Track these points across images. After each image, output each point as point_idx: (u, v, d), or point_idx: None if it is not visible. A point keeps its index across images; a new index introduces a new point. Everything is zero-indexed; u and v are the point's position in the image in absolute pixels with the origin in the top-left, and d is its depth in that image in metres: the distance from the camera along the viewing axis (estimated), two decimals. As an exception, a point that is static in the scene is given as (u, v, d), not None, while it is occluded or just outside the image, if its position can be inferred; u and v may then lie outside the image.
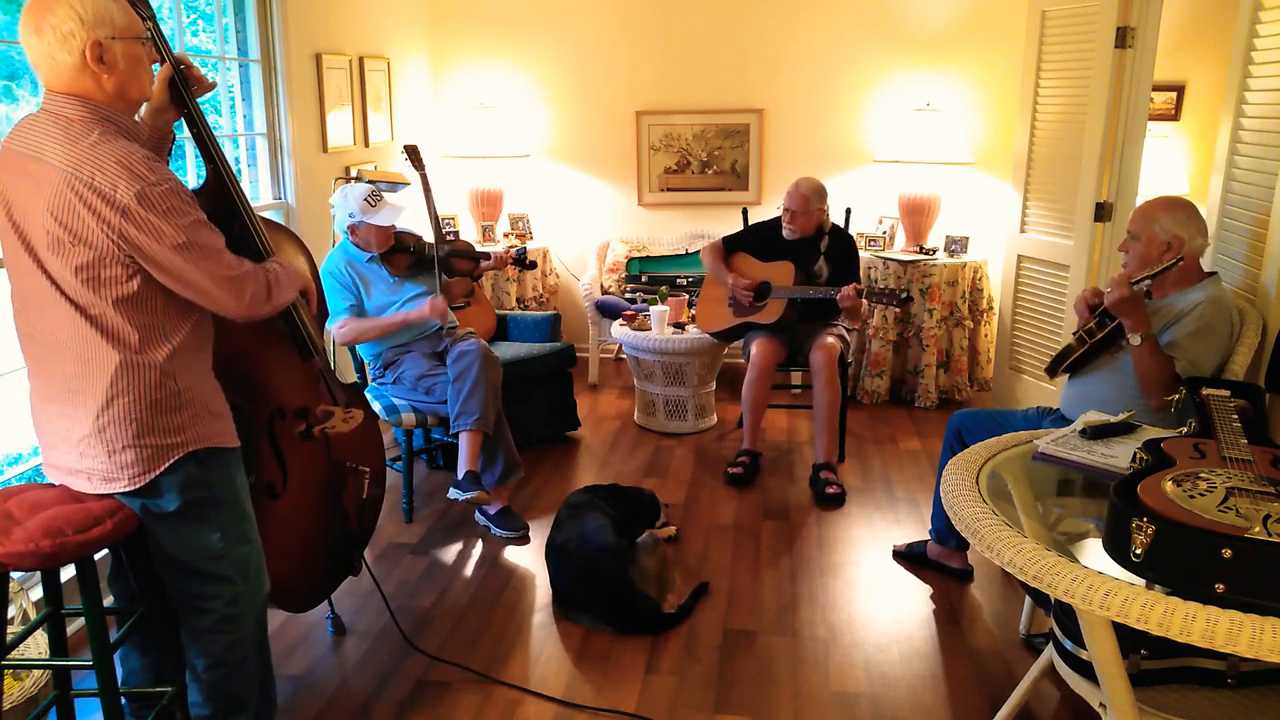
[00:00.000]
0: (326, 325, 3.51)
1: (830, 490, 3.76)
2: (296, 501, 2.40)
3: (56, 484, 1.97)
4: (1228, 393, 2.25)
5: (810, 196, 3.94)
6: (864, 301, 3.77)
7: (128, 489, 1.90)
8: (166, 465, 1.91)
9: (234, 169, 2.21)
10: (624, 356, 5.23)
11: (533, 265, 4.17)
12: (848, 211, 4.49)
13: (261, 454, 2.28)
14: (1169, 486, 1.69)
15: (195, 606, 2.04)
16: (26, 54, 1.84)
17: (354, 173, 4.53)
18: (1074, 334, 2.79)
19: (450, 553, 3.38)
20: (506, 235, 5.53)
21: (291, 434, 2.36)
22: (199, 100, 2.13)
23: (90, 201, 1.77)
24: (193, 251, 1.84)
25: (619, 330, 4.60)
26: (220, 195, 2.13)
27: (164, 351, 1.90)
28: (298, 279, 2.15)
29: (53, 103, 1.83)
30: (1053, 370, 2.87)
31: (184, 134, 2.48)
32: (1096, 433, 2.23)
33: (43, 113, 1.85)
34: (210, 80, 2.15)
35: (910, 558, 3.27)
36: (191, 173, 3.47)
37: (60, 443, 1.92)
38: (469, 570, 3.25)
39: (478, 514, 3.60)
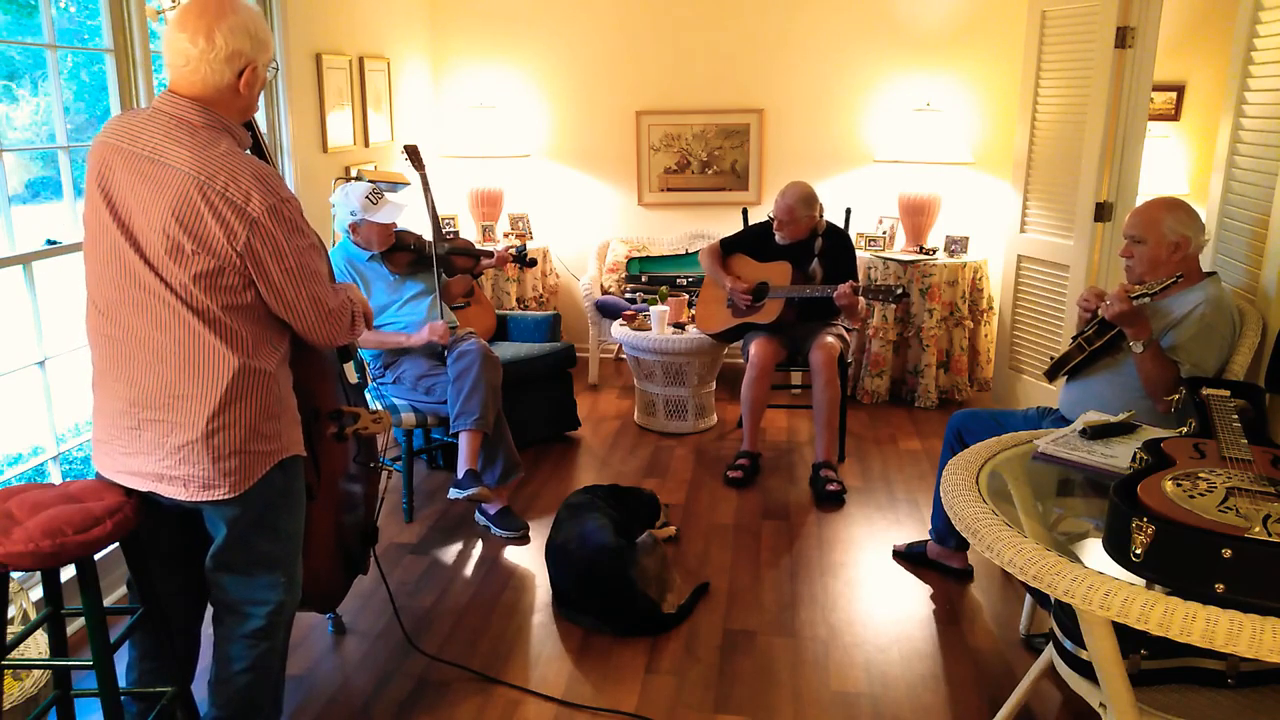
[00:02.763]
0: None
1: (830, 488, 3.76)
2: (327, 502, 2.41)
3: (142, 489, 1.93)
4: (1228, 393, 2.25)
5: (796, 206, 3.94)
6: (861, 299, 3.78)
7: (227, 496, 1.89)
8: (264, 472, 1.92)
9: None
10: (624, 356, 5.23)
11: (533, 263, 4.18)
12: (848, 211, 4.49)
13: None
14: (1169, 486, 1.69)
15: (240, 611, 2.04)
16: (170, 51, 1.83)
17: (354, 173, 4.53)
18: (1073, 340, 2.80)
19: (450, 553, 3.38)
20: (506, 235, 5.53)
21: (325, 435, 2.36)
22: None
23: (220, 210, 1.77)
24: (303, 275, 1.87)
25: (619, 330, 4.60)
26: None
27: (274, 359, 1.93)
28: (365, 308, 2.16)
29: (176, 106, 1.83)
30: (1052, 375, 2.87)
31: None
32: (1096, 433, 2.23)
33: (160, 114, 1.84)
34: None
35: (910, 558, 3.27)
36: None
37: (151, 449, 1.89)
38: (469, 570, 3.25)
39: (478, 514, 3.60)
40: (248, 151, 1.96)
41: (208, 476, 1.88)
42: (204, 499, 1.90)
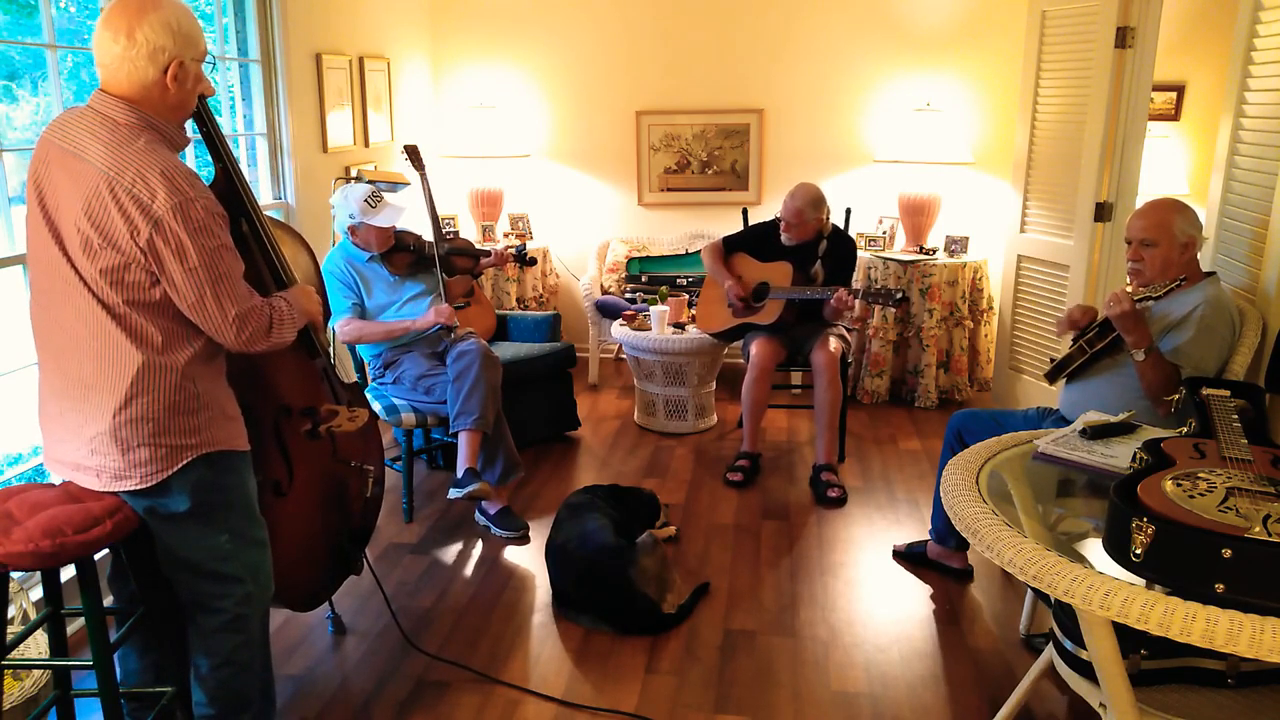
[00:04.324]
0: (329, 324, 3.51)
1: (832, 493, 3.76)
2: (302, 500, 2.40)
3: (59, 480, 1.97)
4: (1228, 393, 2.25)
5: (804, 209, 3.94)
6: (859, 302, 3.78)
7: (138, 487, 1.90)
8: (180, 466, 1.91)
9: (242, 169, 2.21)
10: (624, 356, 5.23)
11: (533, 261, 4.18)
12: (848, 212, 4.49)
13: (268, 452, 2.28)
14: (1169, 486, 1.69)
15: (205, 606, 2.04)
16: (97, 50, 1.84)
17: (354, 173, 4.53)
18: (1074, 342, 2.80)
19: (450, 553, 3.38)
20: (506, 235, 5.53)
21: (297, 433, 2.36)
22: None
23: (125, 207, 1.78)
24: (209, 276, 1.85)
25: (619, 330, 4.60)
26: (229, 194, 2.14)
27: (185, 355, 1.91)
28: (302, 318, 2.11)
29: (104, 104, 1.84)
30: (1053, 377, 2.87)
31: (194, 134, 2.48)
32: (1096, 433, 2.23)
33: (90, 110, 1.85)
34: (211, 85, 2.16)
35: (910, 558, 3.27)
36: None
37: (70, 437, 1.91)
38: (469, 570, 3.25)
39: (478, 514, 3.60)
40: (199, 147, 1.95)
41: (118, 467, 1.88)
42: (116, 489, 1.90)
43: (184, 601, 2.06)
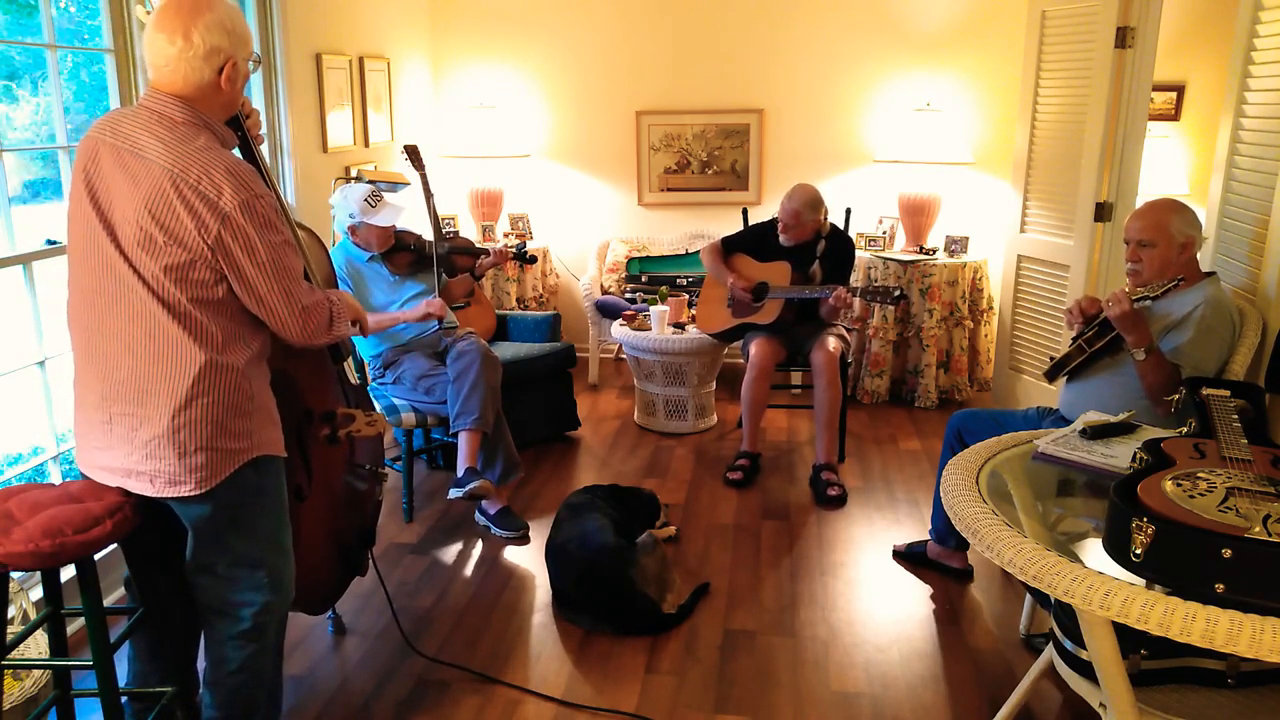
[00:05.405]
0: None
1: (832, 493, 3.76)
2: (321, 504, 2.40)
3: (111, 485, 1.93)
4: (1228, 393, 2.25)
5: (802, 210, 3.94)
6: (857, 300, 3.78)
7: (193, 493, 1.88)
8: (233, 470, 1.91)
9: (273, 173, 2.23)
10: (624, 356, 5.23)
11: (533, 260, 4.18)
12: (848, 212, 4.49)
13: (290, 457, 2.29)
14: (1169, 486, 1.69)
15: (226, 613, 2.03)
16: (150, 51, 1.85)
17: (354, 173, 4.53)
18: (1073, 341, 2.80)
19: (450, 553, 3.38)
20: (506, 235, 5.53)
21: (318, 438, 2.36)
22: None
23: (192, 203, 1.78)
24: (276, 271, 1.87)
25: (619, 330, 4.60)
26: None
27: (245, 356, 1.92)
28: (352, 311, 2.15)
29: (158, 102, 1.85)
30: (1052, 376, 2.87)
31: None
32: (1096, 433, 2.23)
33: (143, 109, 1.86)
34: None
35: (910, 558, 3.27)
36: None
37: (121, 444, 1.89)
38: (469, 570, 3.25)
39: (477, 514, 3.60)
40: (236, 151, 1.96)
41: (174, 472, 1.87)
42: (170, 495, 1.89)
43: (202, 606, 2.04)
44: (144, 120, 1.84)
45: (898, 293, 3.66)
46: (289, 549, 2.11)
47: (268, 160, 2.26)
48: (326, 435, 2.38)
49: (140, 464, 1.88)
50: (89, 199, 1.85)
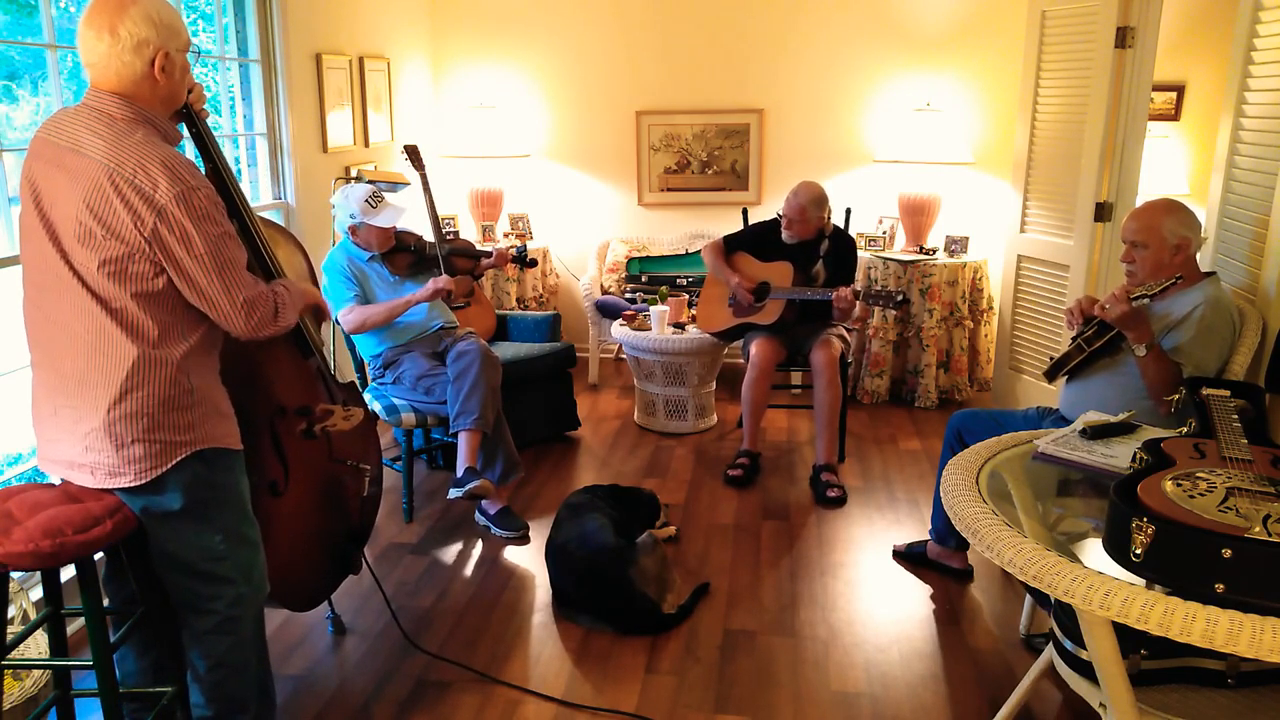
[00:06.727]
0: (333, 318, 3.51)
1: (831, 494, 3.76)
2: (298, 500, 2.40)
3: (55, 479, 1.97)
4: (1228, 393, 2.25)
5: (807, 207, 3.94)
6: (859, 303, 3.78)
7: (133, 484, 1.90)
8: (174, 462, 1.91)
9: (233, 168, 2.22)
10: (624, 356, 5.23)
11: (533, 263, 4.18)
12: (848, 211, 4.49)
13: (264, 452, 2.29)
14: (1169, 486, 1.69)
15: (197, 607, 2.04)
16: (82, 50, 1.86)
17: (354, 173, 4.53)
18: (1072, 341, 2.80)
19: (450, 553, 3.38)
20: (506, 235, 5.53)
21: (293, 432, 2.36)
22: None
23: (128, 197, 1.79)
24: (215, 263, 1.87)
25: (619, 330, 4.60)
26: (219, 193, 2.13)
27: (181, 349, 1.92)
28: (301, 299, 2.15)
29: (98, 100, 1.86)
30: (1051, 375, 2.87)
31: (184, 133, 2.49)
32: (1096, 433, 2.23)
33: (84, 108, 1.87)
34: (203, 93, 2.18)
35: (910, 558, 3.27)
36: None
37: (65, 436, 1.91)
38: (469, 570, 3.25)
39: (477, 514, 3.60)
40: (191, 147, 1.96)
41: (113, 464, 1.88)
42: (110, 486, 1.90)
43: (176, 602, 2.06)
44: (85, 118, 1.85)
45: (900, 297, 3.66)
46: (256, 542, 2.11)
47: (223, 151, 2.23)
48: (302, 430, 2.38)
49: (81, 456, 1.90)
50: (32, 198, 1.87)
